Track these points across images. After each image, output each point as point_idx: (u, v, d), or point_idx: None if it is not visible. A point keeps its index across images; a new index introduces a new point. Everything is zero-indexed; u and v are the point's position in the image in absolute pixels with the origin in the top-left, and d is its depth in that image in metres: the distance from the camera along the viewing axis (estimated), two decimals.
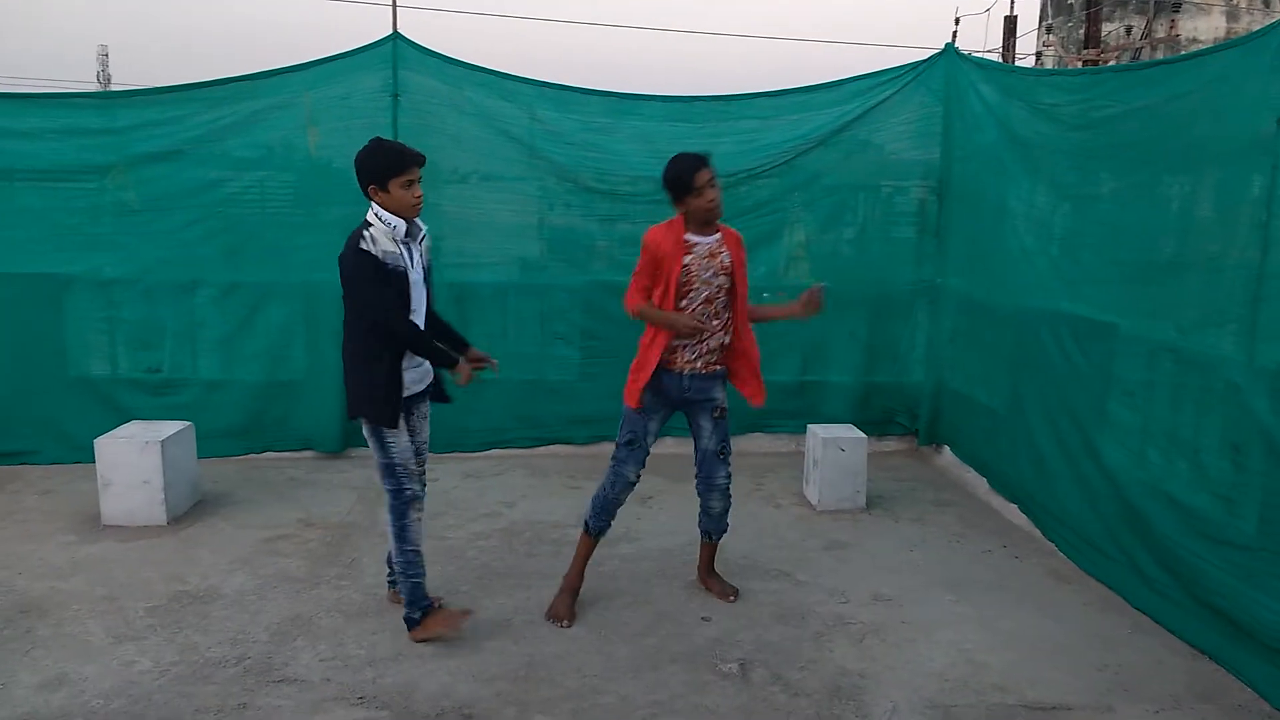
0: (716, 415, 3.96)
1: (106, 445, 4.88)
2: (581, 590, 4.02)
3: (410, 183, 3.49)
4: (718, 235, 3.81)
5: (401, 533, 3.64)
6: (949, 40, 6.35)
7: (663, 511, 5.18)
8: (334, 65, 5.82)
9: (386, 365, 3.53)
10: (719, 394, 3.95)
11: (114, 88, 29.75)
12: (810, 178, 6.32)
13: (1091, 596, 4.21)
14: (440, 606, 3.82)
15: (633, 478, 3.91)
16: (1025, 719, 3.24)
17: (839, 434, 5.35)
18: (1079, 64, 19.04)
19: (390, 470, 3.61)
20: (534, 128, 6.09)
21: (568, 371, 6.36)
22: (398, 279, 3.49)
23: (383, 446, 3.59)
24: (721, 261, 3.78)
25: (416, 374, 3.68)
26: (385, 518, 3.69)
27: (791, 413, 6.40)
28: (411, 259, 3.58)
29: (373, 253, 3.42)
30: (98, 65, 34.21)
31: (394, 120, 5.86)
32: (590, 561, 4.05)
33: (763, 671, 3.52)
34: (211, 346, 6.06)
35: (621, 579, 4.32)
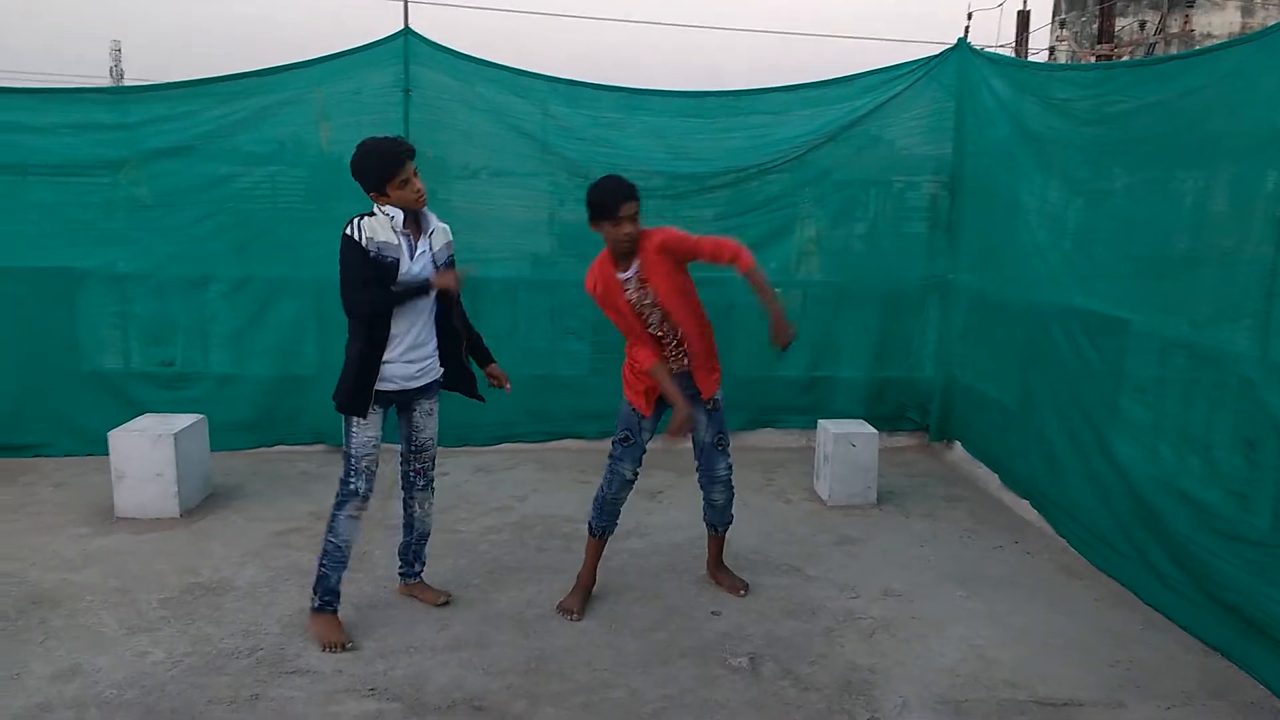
0: (711, 408, 3.95)
1: (120, 438, 4.90)
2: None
3: (405, 181, 3.45)
4: (637, 264, 3.68)
5: (332, 521, 3.65)
6: (961, 35, 6.33)
7: (672, 506, 5.18)
8: (345, 60, 5.82)
9: (358, 353, 3.54)
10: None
11: (127, 83, 29.85)
12: (821, 173, 6.31)
13: (1103, 592, 4.20)
14: (338, 616, 3.71)
15: (630, 475, 3.90)
16: (1036, 714, 3.23)
17: (850, 429, 5.35)
18: (1092, 59, 18.94)
19: (345, 459, 3.63)
20: (545, 123, 6.09)
21: (578, 366, 6.37)
22: (383, 269, 3.47)
23: (346, 434, 3.62)
24: (648, 294, 3.72)
25: (409, 369, 3.63)
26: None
27: (802, 408, 6.41)
28: (413, 252, 3.55)
29: (354, 238, 3.44)
30: (111, 61, 34.36)
31: (405, 116, 5.86)
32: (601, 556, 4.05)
33: (773, 666, 3.52)
34: (223, 341, 6.10)
35: (631, 573, 4.33)
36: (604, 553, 4.07)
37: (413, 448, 3.86)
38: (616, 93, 6.14)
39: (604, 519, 3.97)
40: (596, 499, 3.96)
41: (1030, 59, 19.67)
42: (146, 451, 4.85)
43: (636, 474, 3.92)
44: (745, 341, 6.46)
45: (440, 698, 3.27)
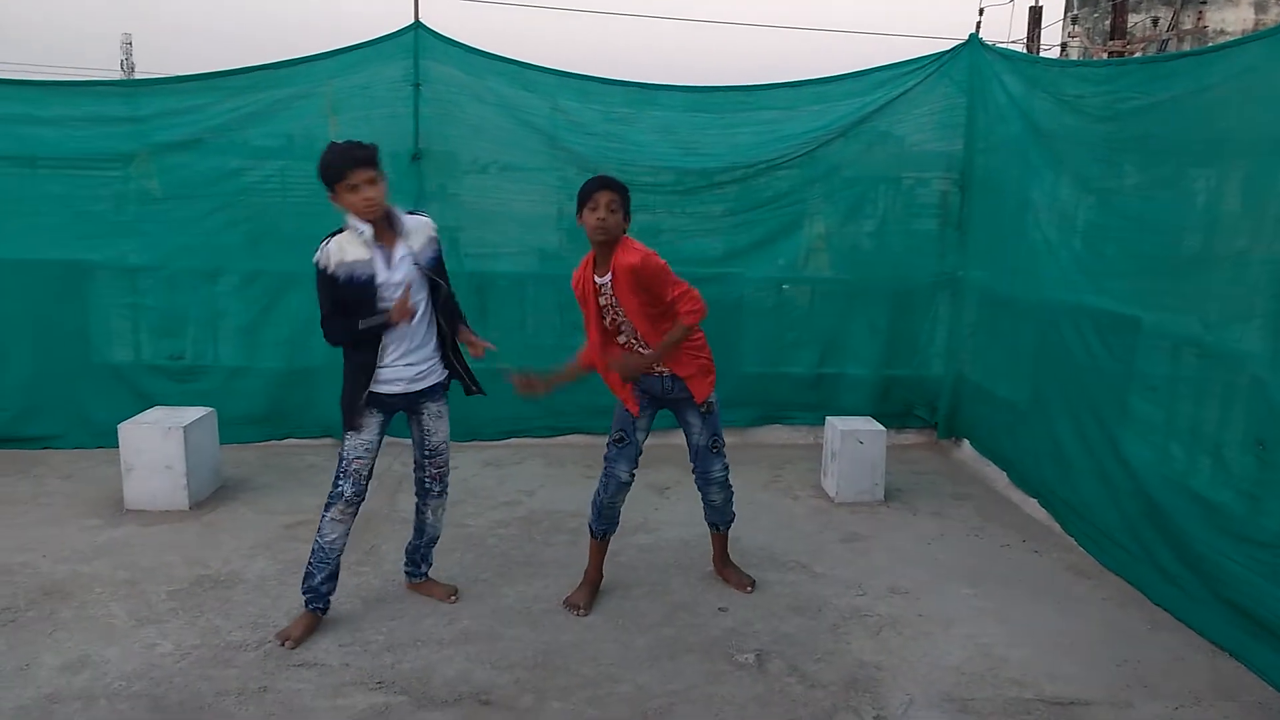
0: (705, 411, 3.93)
1: (130, 430, 4.92)
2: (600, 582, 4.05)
3: (354, 187, 3.36)
4: (609, 278, 3.65)
5: (320, 522, 3.65)
6: (973, 31, 6.30)
7: (680, 502, 5.17)
8: (355, 54, 5.82)
9: (352, 368, 3.56)
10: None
11: (138, 76, 29.93)
12: (831, 169, 6.28)
13: (1111, 592, 4.19)
14: (315, 617, 3.70)
15: (625, 477, 3.88)
16: (1043, 713, 3.23)
17: (858, 426, 5.34)
18: (1104, 55, 18.84)
19: (338, 460, 3.64)
20: (555, 118, 6.08)
21: None
22: (357, 288, 3.43)
23: (343, 435, 3.63)
24: (618, 312, 3.71)
25: (409, 371, 3.59)
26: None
27: (810, 404, 6.41)
28: (390, 260, 3.48)
29: (319, 265, 3.44)
30: (121, 54, 34.47)
31: (415, 110, 5.87)
32: (607, 551, 4.06)
33: (779, 663, 3.52)
34: (233, 334, 6.12)
35: (639, 569, 4.33)
36: (612, 548, 4.07)
37: (425, 452, 3.83)
38: (626, 87, 6.10)
39: (603, 522, 3.96)
40: (594, 503, 3.95)
41: (1042, 55, 19.58)
42: (156, 444, 4.87)
43: (633, 475, 3.90)
44: (753, 338, 6.47)
45: (447, 691, 3.28)
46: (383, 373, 3.56)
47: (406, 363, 3.60)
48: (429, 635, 3.67)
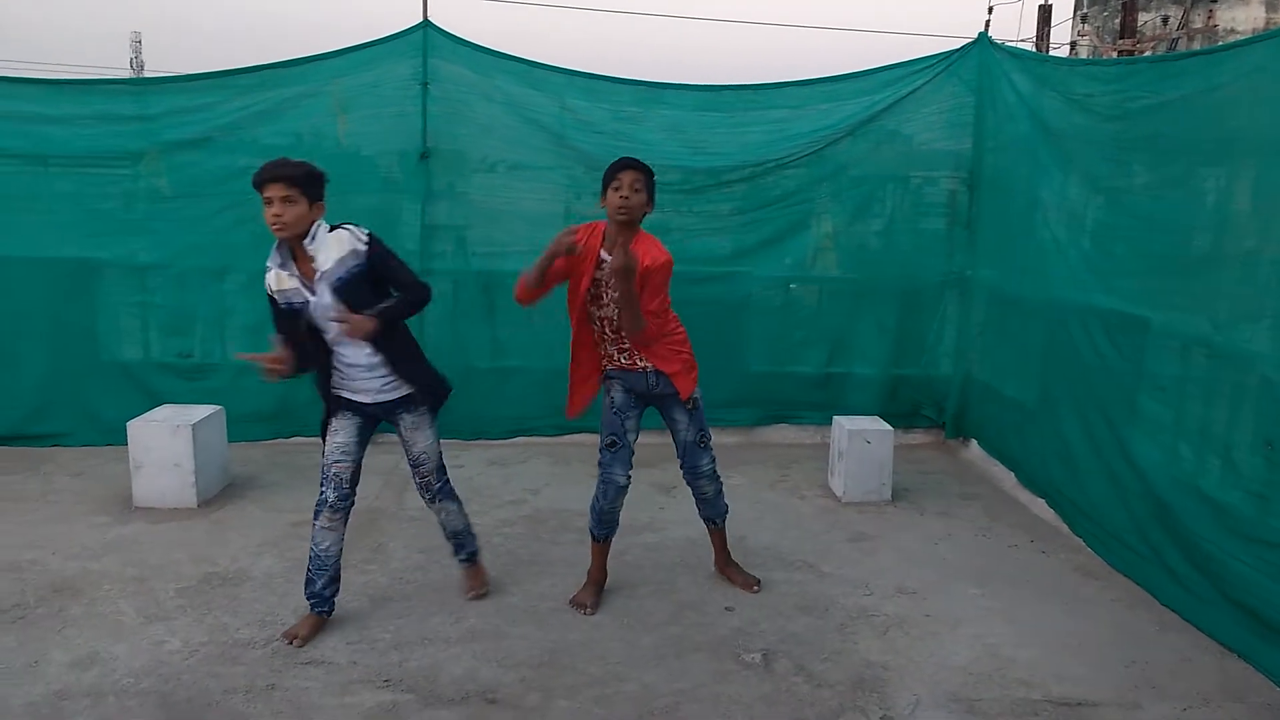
0: (690, 407, 3.92)
1: (138, 428, 4.94)
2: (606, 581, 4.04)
3: (267, 201, 3.27)
4: (607, 261, 3.64)
5: (312, 530, 3.64)
6: (982, 29, 6.28)
7: (686, 501, 5.12)
8: (364, 53, 5.83)
9: (317, 378, 3.59)
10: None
11: (147, 75, 30.02)
12: (839, 168, 6.28)
13: (1119, 593, 4.18)
14: (319, 618, 3.69)
15: (622, 480, 3.86)
16: (1050, 714, 3.22)
17: (865, 426, 5.33)
18: (1114, 54, 18.78)
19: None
20: (564, 117, 6.09)
21: None
22: (296, 313, 3.40)
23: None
24: (611, 297, 3.71)
25: (370, 383, 3.55)
26: None
27: (817, 404, 6.40)
28: (313, 286, 3.36)
29: (266, 288, 3.44)
30: (131, 52, 34.57)
31: (423, 109, 5.88)
32: (613, 550, 4.05)
33: (786, 662, 3.52)
34: (242, 332, 6.10)
35: (645, 568, 4.33)
36: (618, 547, 4.08)
37: (410, 461, 3.81)
38: (635, 86, 6.10)
39: (604, 527, 3.94)
40: (593, 509, 3.92)
41: (1052, 54, 19.53)
42: (165, 442, 4.89)
43: (629, 478, 3.89)
44: (761, 337, 6.47)
45: (454, 689, 3.28)
46: (346, 383, 3.57)
47: (364, 376, 3.55)
48: (436, 633, 3.67)
